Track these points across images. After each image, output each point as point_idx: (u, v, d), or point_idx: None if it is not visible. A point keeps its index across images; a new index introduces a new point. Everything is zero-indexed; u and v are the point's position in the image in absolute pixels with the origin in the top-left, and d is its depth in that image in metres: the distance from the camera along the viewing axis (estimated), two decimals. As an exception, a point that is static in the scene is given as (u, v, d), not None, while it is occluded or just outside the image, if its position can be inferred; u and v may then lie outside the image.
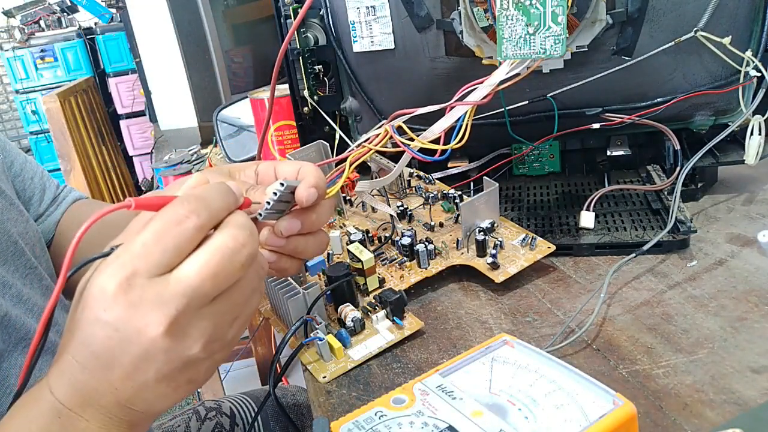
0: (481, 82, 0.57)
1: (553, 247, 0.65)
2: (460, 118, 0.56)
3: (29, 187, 0.74)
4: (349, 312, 0.59)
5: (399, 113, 0.59)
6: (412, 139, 0.56)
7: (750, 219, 0.71)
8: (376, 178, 0.80)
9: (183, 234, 0.37)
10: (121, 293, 0.36)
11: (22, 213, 0.66)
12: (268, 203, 0.44)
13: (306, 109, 0.88)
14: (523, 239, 0.67)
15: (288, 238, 0.47)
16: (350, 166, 0.54)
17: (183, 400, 0.41)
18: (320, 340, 0.56)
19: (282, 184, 0.44)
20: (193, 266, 0.37)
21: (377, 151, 0.59)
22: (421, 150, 0.57)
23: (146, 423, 0.41)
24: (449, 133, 0.57)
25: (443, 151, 0.57)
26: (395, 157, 0.71)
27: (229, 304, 0.39)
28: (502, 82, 0.58)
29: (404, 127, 0.57)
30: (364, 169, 0.87)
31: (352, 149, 0.57)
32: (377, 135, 0.56)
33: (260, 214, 0.44)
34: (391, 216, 0.73)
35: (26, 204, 0.70)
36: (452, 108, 0.57)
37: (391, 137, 0.56)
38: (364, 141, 0.58)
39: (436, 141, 0.58)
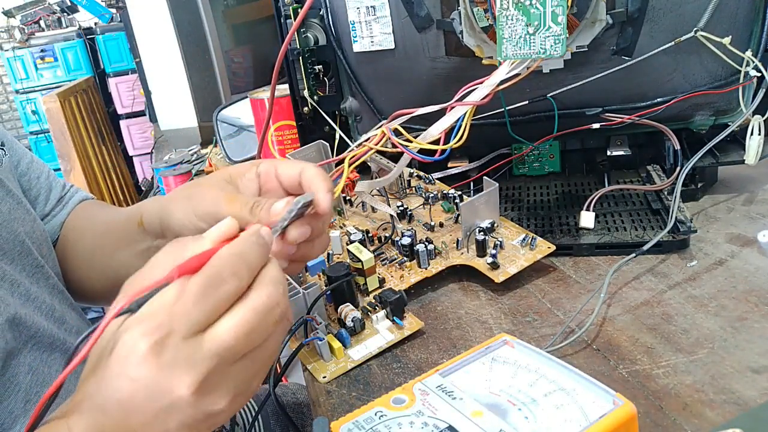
0: (481, 82, 0.57)
1: (553, 247, 0.65)
2: (459, 118, 0.56)
3: (35, 187, 0.73)
4: (349, 312, 0.59)
5: (399, 113, 0.59)
6: (410, 141, 0.56)
7: (750, 219, 0.71)
8: (376, 178, 0.80)
9: (224, 296, 0.37)
10: (153, 355, 0.35)
11: (29, 212, 0.66)
12: (284, 219, 0.45)
13: (306, 109, 0.88)
14: (523, 239, 0.67)
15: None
16: (349, 166, 0.54)
17: None
18: (320, 340, 0.56)
19: (297, 203, 0.45)
20: (228, 326, 0.36)
21: (378, 151, 0.59)
22: (421, 150, 0.57)
23: None
24: (449, 133, 0.57)
25: (443, 151, 0.57)
26: (395, 157, 0.71)
27: (258, 360, 0.39)
28: (502, 82, 0.58)
29: (401, 129, 0.57)
30: (364, 170, 0.87)
31: (352, 149, 0.57)
32: (376, 136, 0.56)
33: (275, 231, 0.44)
34: (391, 216, 0.73)
35: (32, 203, 0.70)
36: (452, 108, 0.57)
37: (389, 139, 0.56)
38: (364, 141, 0.58)
39: (436, 141, 0.58)
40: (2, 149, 0.67)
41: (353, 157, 0.57)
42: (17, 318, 0.56)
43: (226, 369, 0.37)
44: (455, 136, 0.56)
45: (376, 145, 0.56)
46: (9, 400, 0.54)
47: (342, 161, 0.56)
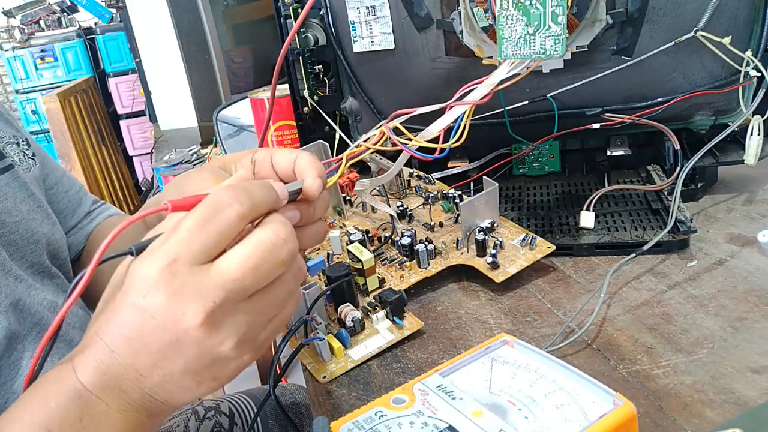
0: (481, 82, 0.57)
1: (553, 247, 0.65)
2: (458, 117, 0.56)
3: (63, 200, 0.76)
4: (349, 312, 0.59)
5: (398, 113, 0.59)
6: (410, 139, 0.56)
7: (750, 219, 0.71)
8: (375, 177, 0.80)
9: (226, 221, 0.37)
10: (162, 280, 0.35)
11: (50, 216, 0.68)
12: None
13: (306, 109, 0.88)
14: (523, 239, 0.67)
15: None
16: (346, 161, 0.54)
17: (205, 395, 0.41)
18: (320, 340, 0.56)
19: (286, 188, 0.44)
20: (235, 259, 0.36)
21: (377, 151, 0.59)
22: (421, 149, 0.57)
23: (165, 414, 0.41)
24: (448, 132, 0.57)
25: (442, 150, 0.57)
26: (395, 157, 0.71)
27: (266, 303, 0.39)
28: (501, 81, 0.58)
29: (401, 127, 0.57)
30: (364, 169, 0.87)
31: (352, 149, 0.57)
32: (375, 135, 0.56)
33: None
34: (391, 216, 0.73)
35: (58, 216, 0.73)
36: (451, 107, 0.57)
37: (388, 138, 0.56)
38: (363, 141, 0.58)
39: (435, 140, 0.58)
40: (33, 159, 0.70)
41: (351, 153, 0.57)
42: (21, 303, 0.58)
43: (234, 305, 0.37)
44: (454, 135, 0.56)
45: (375, 144, 0.56)
46: (14, 382, 0.56)
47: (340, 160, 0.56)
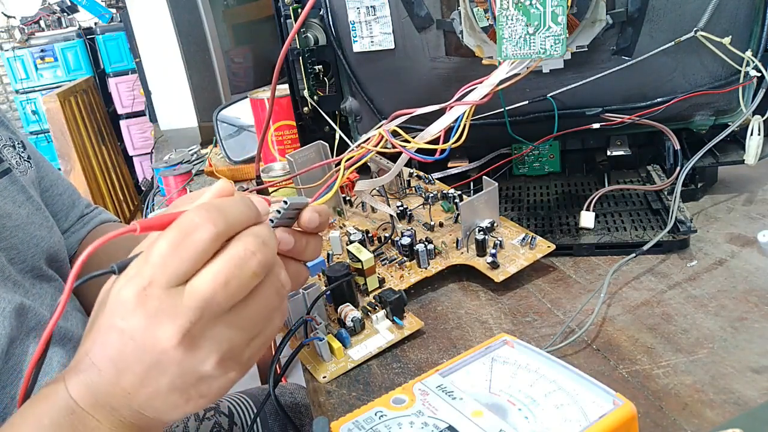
0: (481, 82, 0.57)
1: (553, 246, 0.65)
2: (458, 117, 0.56)
3: (57, 203, 0.76)
4: (349, 312, 0.59)
5: (398, 113, 0.59)
6: (408, 141, 0.56)
7: (750, 219, 0.71)
8: (375, 178, 0.80)
9: (198, 243, 0.37)
10: (138, 303, 0.36)
11: (48, 218, 0.68)
12: (271, 221, 0.44)
13: (306, 109, 0.88)
14: (523, 239, 0.67)
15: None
16: (344, 170, 0.54)
17: (196, 411, 0.41)
18: (320, 340, 0.56)
19: (285, 203, 0.44)
20: (205, 276, 0.37)
21: (378, 152, 0.59)
22: (421, 150, 0.57)
23: (158, 429, 0.42)
24: (448, 132, 0.57)
25: (442, 151, 0.57)
26: (395, 157, 0.71)
27: (245, 318, 0.39)
28: (501, 82, 0.58)
29: (399, 130, 0.57)
30: (363, 170, 0.87)
31: (352, 150, 0.57)
32: (374, 137, 0.56)
33: None
34: (391, 216, 0.73)
35: (52, 217, 0.72)
36: (451, 108, 0.57)
37: (387, 140, 0.56)
38: (363, 142, 0.58)
39: (435, 141, 0.58)
40: (29, 162, 0.70)
41: (349, 159, 0.57)
42: (21, 307, 0.58)
43: (210, 323, 0.37)
44: (454, 135, 0.56)
45: (374, 147, 0.56)
46: (13, 386, 0.56)
47: (340, 162, 0.56)
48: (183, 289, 0.36)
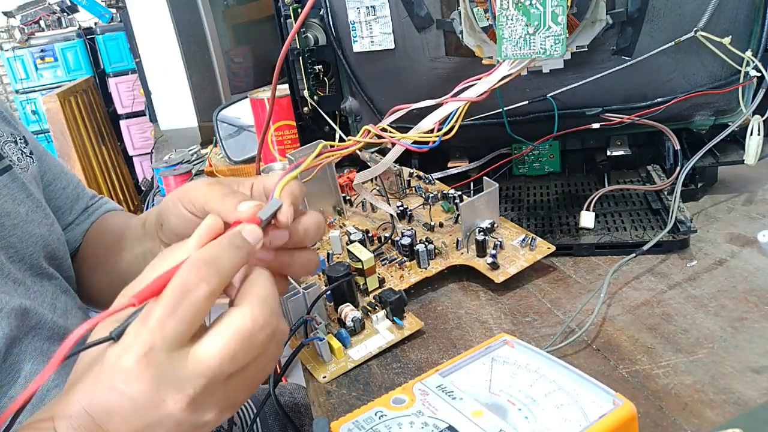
0: (479, 79, 0.57)
1: (553, 248, 0.65)
2: (452, 112, 0.56)
3: (60, 197, 0.75)
4: (349, 312, 0.59)
5: (396, 108, 0.59)
6: (393, 135, 0.56)
7: (750, 219, 0.71)
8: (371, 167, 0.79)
9: (195, 304, 0.37)
10: (140, 370, 0.36)
11: (48, 216, 0.67)
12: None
13: (306, 109, 0.88)
14: (523, 240, 0.67)
15: (277, 251, 0.46)
16: (318, 154, 0.53)
17: None
18: (320, 340, 0.56)
19: (271, 207, 0.44)
20: (212, 347, 0.37)
21: (379, 151, 0.59)
22: (416, 143, 0.57)
23: None
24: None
25: (433, 141, 0.57)
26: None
27: (248, 378, 0.39)
28: (499, 80, 0.58)
29: (388, 128, 0.57)
30: (363, 169, 0.87)
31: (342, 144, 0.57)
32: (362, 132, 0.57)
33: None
34: (391, 216, 0.73)
35: (55, 212, 0.73)
36: (447, 103, 0.57)
37: (376, 135, 0.56)
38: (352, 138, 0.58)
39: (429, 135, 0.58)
40: (30, 157, 0.69)
41: (328, 153, 0.55)
42: (21, 307, 0.58)
43: (215, 387, 0.37)
44: (445, 127, 0.56)
45: (358, 142, 0.56)
46: (10, 386, 0.56)
47: (340, 163, 0.56)
48: (185, 353, 0.37)
